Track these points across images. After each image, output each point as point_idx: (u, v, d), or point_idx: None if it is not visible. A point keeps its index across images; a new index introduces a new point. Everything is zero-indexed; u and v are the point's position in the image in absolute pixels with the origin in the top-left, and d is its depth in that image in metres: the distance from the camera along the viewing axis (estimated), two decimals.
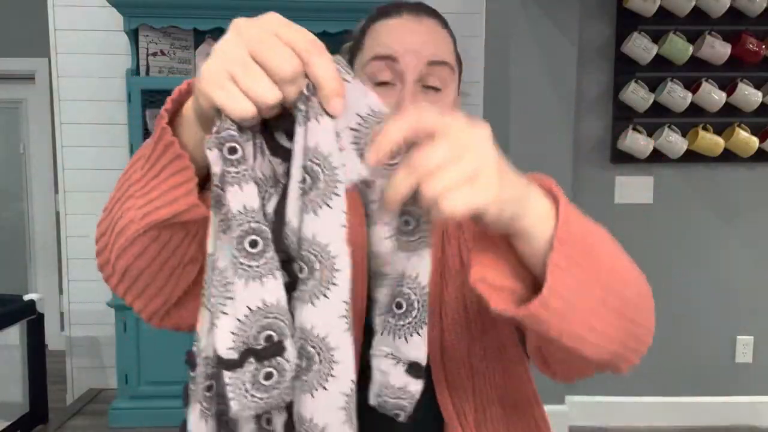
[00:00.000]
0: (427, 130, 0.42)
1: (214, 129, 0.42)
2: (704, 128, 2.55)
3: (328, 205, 0.42)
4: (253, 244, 0.41)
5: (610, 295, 0.51)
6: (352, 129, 0.43)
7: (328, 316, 0.42)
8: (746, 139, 2.56)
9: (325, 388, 0.43)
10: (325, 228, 0.42)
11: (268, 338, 0.41)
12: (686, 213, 2.68)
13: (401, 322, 0.48)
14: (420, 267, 0.47)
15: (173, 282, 0.58)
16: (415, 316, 0.48)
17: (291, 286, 0.43)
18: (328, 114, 0.42)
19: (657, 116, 2.56)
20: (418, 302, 0.48)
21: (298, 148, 0.42)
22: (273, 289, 0.41)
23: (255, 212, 0.41)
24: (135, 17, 2.60)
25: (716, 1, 2.44)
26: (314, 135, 0.42)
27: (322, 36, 3.00)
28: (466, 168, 0.41)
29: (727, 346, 2.75)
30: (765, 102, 2.55)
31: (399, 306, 0.47)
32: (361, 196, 0.47)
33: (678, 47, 2.48)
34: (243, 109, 0.40)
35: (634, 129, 2.53)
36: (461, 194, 0.41)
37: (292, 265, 0.43)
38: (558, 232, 0.47)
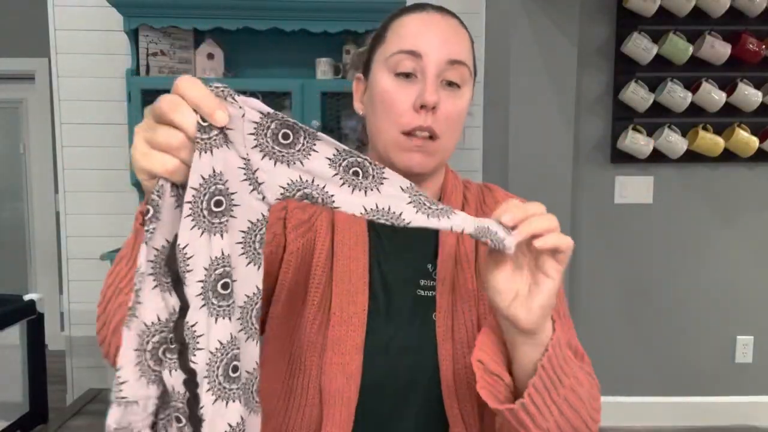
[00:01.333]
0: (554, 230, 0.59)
1: None
2: (704, 128, 2.55)
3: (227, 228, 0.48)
4: (136, 293, 0.46)
5: (568, 410, 0.62)
6: (254, 147, 0.48)
7: (235, 322, 0.48)
8: (746, 139, 2.56)
9: (236, 383, 0.47)
10: (230, 245, 0.47)
11: None
12: (686, 213, 2.68)
13: None
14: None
15: None
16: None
17: (183, 312, 0.46)
18: (226, 144, 0.46)
19: (657, 116, 2.56)
20: None
21: (194, 171, 0.45)
22: (126, 347, 0.46)
23: (138, 272, 0.45)
24: (135, 17, 2.61)
25: (716, 1, 2.44)
26: (218, 162, 0.46)
27: (323, 36, 2.99)
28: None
29: (727, 346, 2.75)
30: (765, 102, 2.55)
31: None
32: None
33: (678, 47, 2.48)
34: (164, 162, 0.46)
35: (634, 129, 2.53)
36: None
37: (183, 288, 0.46)
38: (543, 362, 0.59)
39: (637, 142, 2.51)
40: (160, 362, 0.46)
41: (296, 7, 2.59)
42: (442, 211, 0.53)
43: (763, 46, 2.51)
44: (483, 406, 0.75)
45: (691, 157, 2.57)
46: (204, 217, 0.46)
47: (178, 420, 0.46)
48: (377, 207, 0.51)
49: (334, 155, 0.50)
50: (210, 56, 2.70)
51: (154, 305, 0.46)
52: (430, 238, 0.79)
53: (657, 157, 2.57)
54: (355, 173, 0.50)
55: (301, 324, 0.74)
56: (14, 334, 2.50)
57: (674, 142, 2.52)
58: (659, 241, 2.68)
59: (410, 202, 0.52)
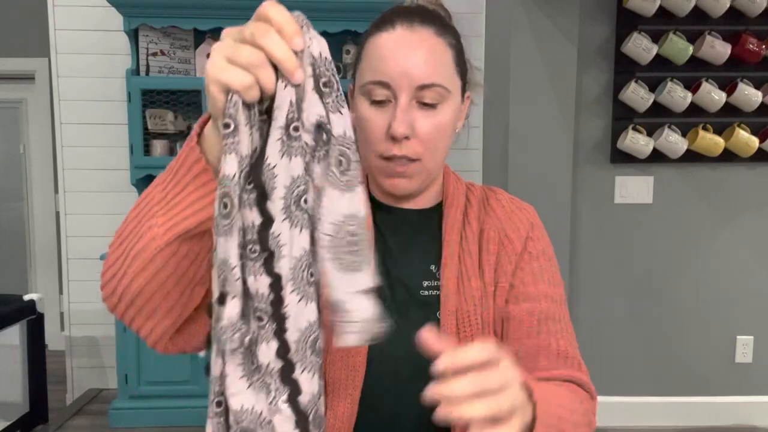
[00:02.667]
0: (482, 363, 0.48)
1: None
2: (704, 128, 2.55)
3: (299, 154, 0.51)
4: (224, 205, 0.48)
5: None
6: (310, 76, 0.51)
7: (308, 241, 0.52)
8: (746, 139, 2.56)
9: (312, 286, 0.51)
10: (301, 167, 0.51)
11: (222, 289, 0.50)
12: (686, 213, 2.68)
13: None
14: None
15: (183, 302, 0.60)
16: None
17: (266, 224, 0.50)
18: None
19: (657, 116, 2.56)
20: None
21: (283, 98, 0.49)
22: (229, 247, 0.49)
23: (229, 179, 0.48)
24: (135, 17, 2.61)
25: (716, 1, 2.44)
26: (294, 93, 0.49)
27: (323, 36, 3.02)
28: (502, 403, 0.47)
29: (727, 346, 2.75)
30: (765, 102, 2.55)
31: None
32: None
33: (678, 47, 2.48)
34: (242, 77, 0.48)
35: (634, 129, 2.53)
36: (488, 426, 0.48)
37: (266, 204, 0.50)
38: (538, 414, 0.54)
39: (637, 142, 2.51)
40: (242, 267, 0.50)
41: (296, 7, 2.58)
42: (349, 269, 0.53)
43: (763, 46, 2.51)
44: None
45: (691, 157, 2.57)
46: (285, 140, 0.49)
47: (260, 319, 0.50)
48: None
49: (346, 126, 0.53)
50: (210, 56, 2.70)
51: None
52: (433, 239, 0.79)
53: (657, 157, 2.57)
54: (339, 162, 0.52)
55: None
56: (14, 334, 2.50)
57: (674, 142, 2.52)
58: (659, 241, 2.68)
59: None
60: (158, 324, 0.61)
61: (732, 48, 2.48)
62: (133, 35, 2.67)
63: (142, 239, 0.57)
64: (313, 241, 0.51)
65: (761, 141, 2.58)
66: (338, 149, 0.51)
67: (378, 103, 0.72)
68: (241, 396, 0.50)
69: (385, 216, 0.81)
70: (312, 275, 0.51)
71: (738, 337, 2.74)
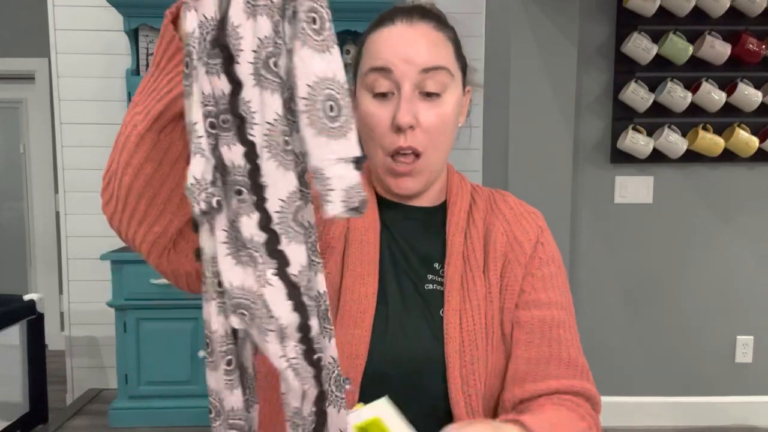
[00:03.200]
0: None
1: None
2: (704, 128, 2.55)
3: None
4: (186, 65, 0.47)
5: None
6: None
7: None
8: (746, 139, 2.56)
9: (290, 155, 0.48)
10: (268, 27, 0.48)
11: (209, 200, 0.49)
12: (686, 213, 2.68)
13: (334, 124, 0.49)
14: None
15: (171, 209, 0.60)
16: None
17: (235, 91, 0.47)
18: None
19: (657, 116, 2.56)
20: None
21: None
22: (191, 106, 0.47)
23: (188, 37, 0.46)
24: (135, 17, 2.61)
25: (716, 1, 2.44)
26: None
27: None
28: None
29: (727, 346, 2.75)
30: (765, 102, 2.55)
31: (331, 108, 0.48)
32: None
33: (678, 47, 2.48)
34: None
35: (634, 129, 2.53)
36: None
37: (233, 68, 0.47)
38: None
39: (637, 142, 2.51)
40: (215, 137, 0.48)
41: None
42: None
43: (763, 46, 2.51)
44: (489, 405, 0.75)
45: (691, 157, 2.57)
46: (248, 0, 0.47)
47: (239, 192, 0.48)
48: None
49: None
50: None
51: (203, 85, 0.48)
52: (437, 237, 0.80)
53: (657, 157, 2.57)
54: (312, 20, 0.47)
55: None
56: (14, 334, 2.50)
57: (674, 142, 2.52)
58: (659, 241, 2.68)
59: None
60: (150, 230, 0.61)
61: (732, 48, 2.48)
62: (133, 35, 2.68)
63: (126, 129, 0.57)
64: (288, 108, 0.48)
65: (761, 141, 2.58)
66: (308, 5, 0.46)
67: (381, 96, 0.72)
68: (229, 273, 0.49)
69: (390, 212, 0.81)
70: (288, 143, 0.48)
71: (738, 337, 2.74)
